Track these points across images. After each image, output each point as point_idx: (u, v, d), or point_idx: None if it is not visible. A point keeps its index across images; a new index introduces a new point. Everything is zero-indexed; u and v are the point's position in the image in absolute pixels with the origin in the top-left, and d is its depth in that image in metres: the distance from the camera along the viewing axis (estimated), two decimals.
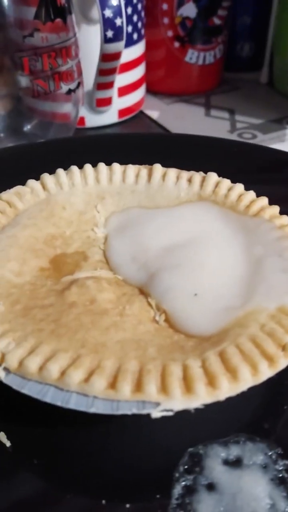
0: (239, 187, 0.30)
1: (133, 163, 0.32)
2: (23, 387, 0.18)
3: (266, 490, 0.19)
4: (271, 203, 0.28)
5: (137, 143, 0.38)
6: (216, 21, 0.56)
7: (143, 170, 0.31)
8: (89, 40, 0.47)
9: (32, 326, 0.21)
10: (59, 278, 0.25)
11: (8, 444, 0.21)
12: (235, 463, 0.20)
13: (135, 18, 0.50)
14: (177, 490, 0.19)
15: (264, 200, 0.28)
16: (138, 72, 0.53)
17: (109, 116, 0.52)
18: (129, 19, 0.48)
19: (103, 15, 0.42)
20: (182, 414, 0.20)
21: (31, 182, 0.30)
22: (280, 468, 0.20)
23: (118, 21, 0.43)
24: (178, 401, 0.18)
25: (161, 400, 0.18)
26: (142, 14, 0.51)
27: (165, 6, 0.54)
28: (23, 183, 0.30)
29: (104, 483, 0.20)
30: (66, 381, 0.18)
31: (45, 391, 0.18)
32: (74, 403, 0.18)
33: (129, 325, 0.22)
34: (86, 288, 0.24)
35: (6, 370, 0.19)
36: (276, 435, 0.21)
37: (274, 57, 0.60)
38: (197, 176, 0.31)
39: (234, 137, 0.50)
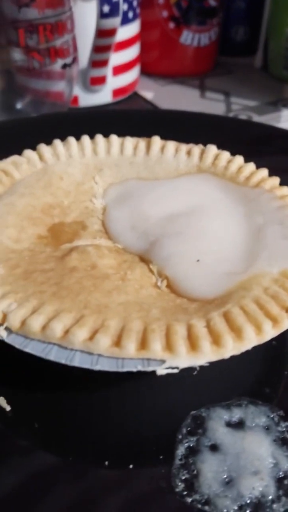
0: (239, 159, 0.29)
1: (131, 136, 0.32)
2: (26, 346, 0.18)
3: (269, 450, 0.19)
4: (270, 175, 0.28)
5: (134, 119, 0.38)
6: (212, 2, 0.56)
7: (141, 142, 0.31)
8: (84, 17, 0.46)
9: (34, 288, 0.20)
10: (58, 246, 0.25)
11: (8, 408, 0.20)
12: (238, 425, 0.20)
13: None
14: (180, 451, 0.19)
15: (264, 172, 0.28)
16: (133, 51, 0.53)
17: (103, 96, 0.52)
18: None
19: None
20: (184, 378, 0.20)
21: (28, 152, 0.30)
22: (283, 430, 0.20)
23: None
24: (183, 359, 0.17)
25: (166, 358, 0.17)
26: None
27: None
28: (19, 154, 0.30)
29: (107, 445, 0.19)
30: (70, 339, 0.18)
31: (48, 350, 0.18)
32: (78, 361, 0.18)
33: (131, 289, 0.21)
34: (86, 254, 0.23)
35: (8, 330, 0.19)
36: (278, 399, 0.21)
37: (268, 41, 0.60)
38: (196, 148, 0.31)
39: None
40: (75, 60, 0.43)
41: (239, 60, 0.65)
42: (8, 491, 0.18)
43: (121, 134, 0.32)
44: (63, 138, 0.31)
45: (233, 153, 0.30)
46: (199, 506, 0.17)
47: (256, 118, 0.49)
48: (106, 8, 0.42)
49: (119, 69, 0.52)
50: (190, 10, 0.56)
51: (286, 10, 0.56)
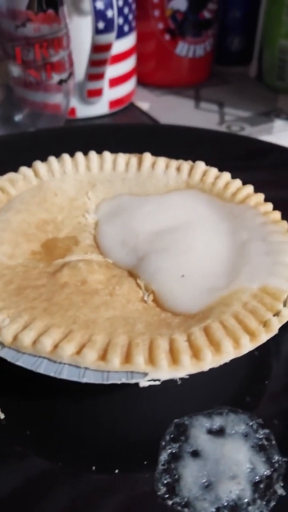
0: (226, 175, 0.31)
1: (123, 152, 0.33)
2: (17, 359, 0.19)
3: (247, 456, 0.20)
4: (255, 189, 0.29)
5: (127, 133, 0.39)
6: (206, 14, 0.57)
7: (133, 158, 0.32)
8: (80, 31, 0.47)
9: (25, 304, 0.22)
10: (51, 262, 0.26)
11: (2, 416, 0.22)
12: (218, 432, 0.21)
13: (126, 10, 0.50)
14: (163, 457, 0.20)
15: (249, 188, 0.29)
16: (129, 63, 0.54)
17: (100, 107, 0.53)
18: (120, 11, 0.49)
19: (94, 7, 0.43)
20: (168, 388, 0.21)
21: (24, 169, 0.31)
22: (261, 437, 0.21)
23: (109, 13, 0.43)
24: (165, 371, 0.19)
25: (148, 371, 0.19)
26: (133, 6, 0.52)
27: None
28: (15, 170, 0.31)
29: (94, 451, 0.21)
30: (59, 353, 0.19)
31: (38, 363, 0.19)
32: (66, 374, 0.19)
33: (118, 304, 0.23)
34: (77, 270, 0.24)
35: (1, 344, 0.20)
36: (258, 407, 0.22)
37: (263, 51, 0.61)
38: (186, 165, 0.32)
39: (222, 129, 0.51)
40: (71, 75, 0.44)
41: (234, 69, 0.66)
42: (3, 495, 0.19)
43: (116, 149, 0.33)
44: (58, 153, 0.32)
45: (221, 168, 0.31)
46: (179, 508, 0.18)
47: (248, 129, 0.51)
48: (101, 25, 0.44)
49: (116, 81, 0.53)
50: (185, 22, 0.57)
51: (279, 22, 0.57)
